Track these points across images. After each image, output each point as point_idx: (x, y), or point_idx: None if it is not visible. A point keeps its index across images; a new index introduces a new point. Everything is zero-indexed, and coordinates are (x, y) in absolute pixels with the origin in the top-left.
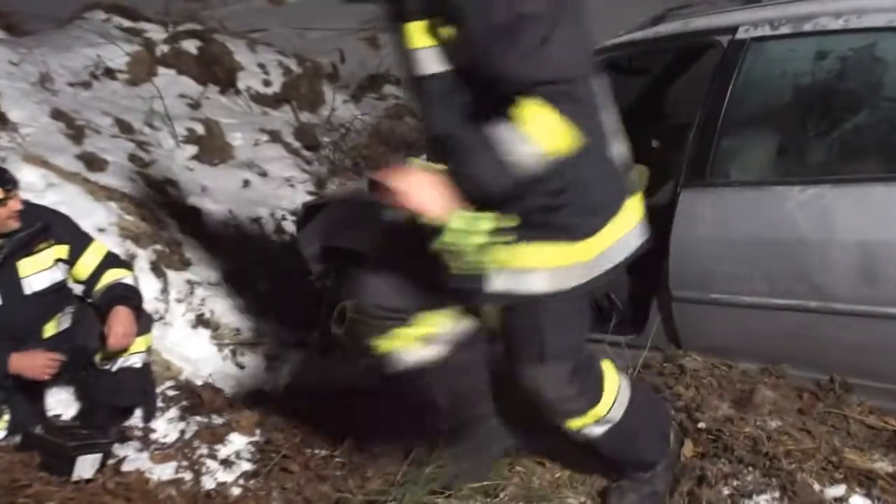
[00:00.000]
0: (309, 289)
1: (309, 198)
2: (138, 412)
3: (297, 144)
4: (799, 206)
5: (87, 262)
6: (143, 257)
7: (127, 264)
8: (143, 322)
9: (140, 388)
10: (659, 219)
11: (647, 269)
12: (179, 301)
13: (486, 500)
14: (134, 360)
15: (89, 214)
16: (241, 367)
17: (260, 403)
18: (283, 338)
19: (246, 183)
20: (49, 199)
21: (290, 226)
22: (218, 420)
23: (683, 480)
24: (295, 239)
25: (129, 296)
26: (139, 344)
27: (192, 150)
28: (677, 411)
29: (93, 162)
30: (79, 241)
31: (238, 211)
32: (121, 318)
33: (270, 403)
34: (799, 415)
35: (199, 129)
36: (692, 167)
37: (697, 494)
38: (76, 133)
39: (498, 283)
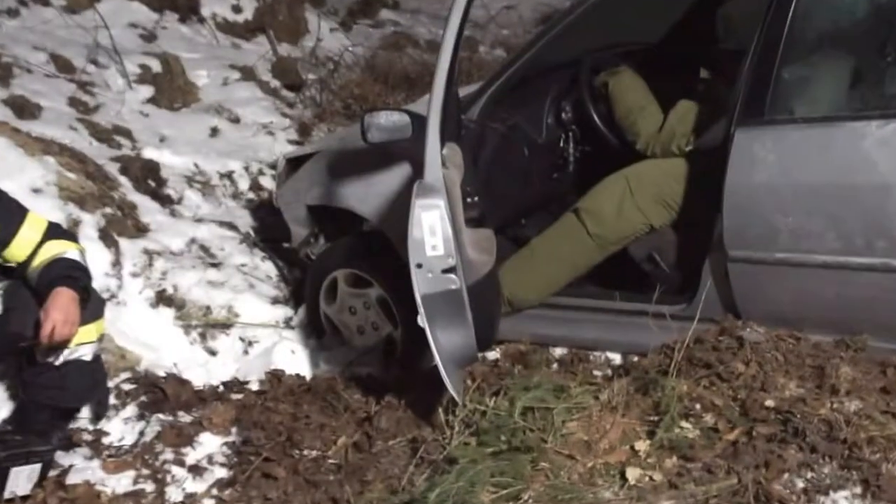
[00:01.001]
0: (292, 258)
1: (291, 148)
2: (86, 411)
3: (275, 83)
4: (878, 145)
5: (23, 242)
6: (90, 223)
7: (71, 235)
8: (93, 306)
9: (89, 384)
10: (710, 164)
11: (697, 224)
12: (135, 275)
13: None
14: (82, 352)
15: (19, 172)
16: (212, 352)
17: (236, 396)
18: (262, 317)
19: (214, 131)
20: None
21: (268, 182)
22: (185, 418)
23: (747, 468)
24: (274, 198)
25: (72, 274)
26: (88, 332)
27: (146, 91)
28: (735, 391)
29: (23, 108)
30: (9, 217)
31: (205, 165)
32: (60, 303)
33: (248, 396)
34: (883, 394)
35: (155, 66)
36: (748, 102)
37: (766, 486)
38: (2, 72)
39: None
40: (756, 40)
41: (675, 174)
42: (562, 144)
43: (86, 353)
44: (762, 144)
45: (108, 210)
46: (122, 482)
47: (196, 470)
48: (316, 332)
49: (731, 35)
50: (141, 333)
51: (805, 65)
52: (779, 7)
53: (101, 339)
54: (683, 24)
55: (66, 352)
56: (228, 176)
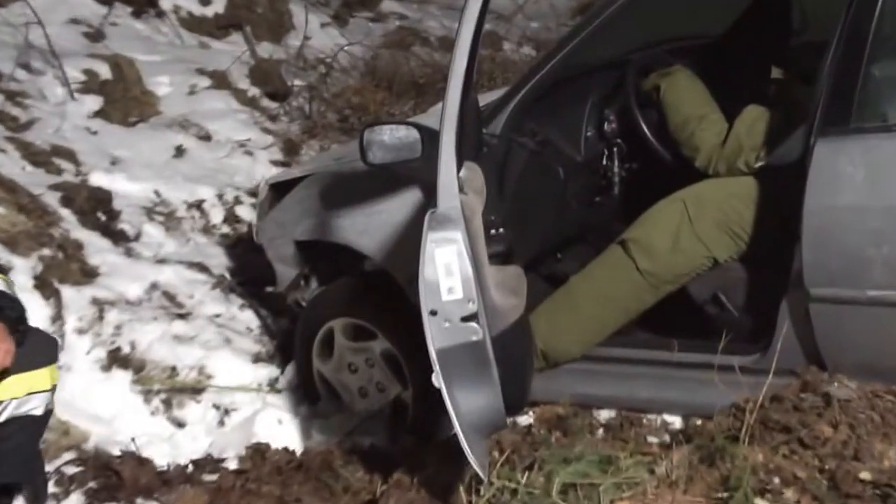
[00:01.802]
0: (278, 306)
1: (275, 170)
2: (21, 498)
3: (253, 91)
4: None
5: None
6: (23, 269)
7: None
8: (44, 346)
9: (33, 452)
10: (785, 184)
11: (771, 257)
12: (82, 332)
13: None
14: (33, 405)
15: None
16: (179, 424)
17: (209, 477)
18: (240, 379)
19: (178, 151)
20: None
21: (247, 212)
22: None
23: None
24: (255, 232)
25: None
26: (41, 379)
27: (93, 103)
28: (822, 460)
29: None
30: None
31: (168, 192)
32: None
33: (225, 477)
34: None
35: (104, 72)
36: (832, 106)
37: None
38: None
39: None
40: (839, 31)
41: (742, 196)
42: (604, 162)
43: (37, 407)
44: (849, 158)
45: (46, 251)
46: None
47: None
48: (308, 395)
49: (808, 25)
50: (90, 403)
51: None
52: None
53: (54, 388)
54: (750, 14)
55: (11, 404)
56: (197, 206)
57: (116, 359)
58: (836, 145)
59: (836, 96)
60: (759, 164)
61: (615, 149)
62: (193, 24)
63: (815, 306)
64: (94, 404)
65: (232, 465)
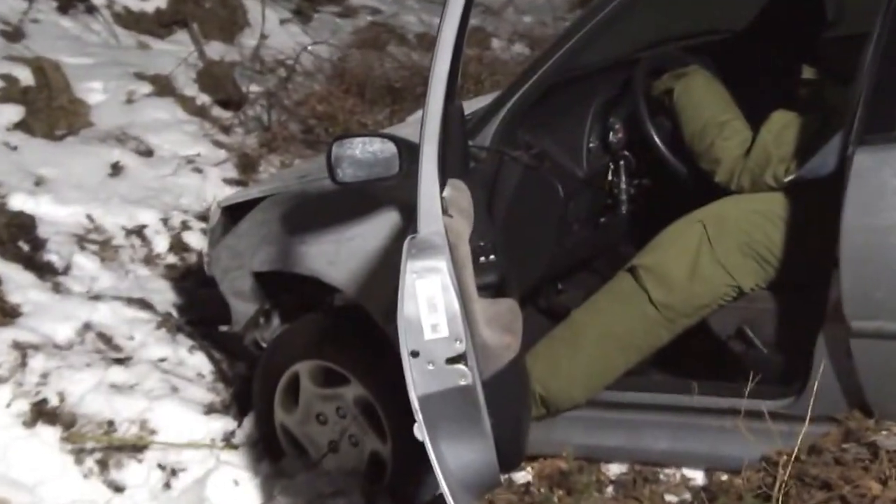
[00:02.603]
0: (234, 347)
1: (229, 190)
2: None
3: (203, 99)
4: None
5: None
6: None
7: None
8: None
9: None
10: (820, 201)
11: (804, 285)
12: (1, 381)
13: None
14: None
15: None
16: (117, 488)
17: None
18: (190, 434)
19: (115, 169)
20: None
21: (196, 239)
22: None
23: None
24: (206, 262)
25: None
26: None
27: (12, 113)
28: None
29: None
30: None
31: (103, 217)
32: None
33: None
34: None
35: (25, 77)
36: (872, 110)
37: None
38: None
39: None
40: (881, 21)
41: (770, 215)
42: (610, 178)
43: None
44: (893, 170)
45: None
46: None
47: None
48: (269, 452)
49: (844, 16)
50: (9, 466)
51: None
52: None
53: None
54: (777, 5)
55: None
56: (138, 232)
57: (42, 412)
58: (878, 155)
59: (878, 98)
60: (790, 177)
61: (622, 162)
62: (131, 21)
63: (858, 342)
64: (15, 467)
65: None
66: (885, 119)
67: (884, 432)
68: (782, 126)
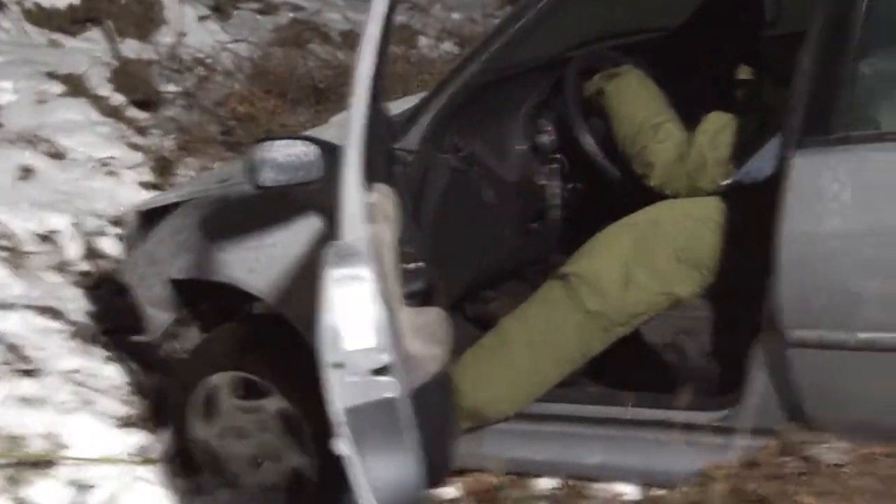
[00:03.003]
0: (149, 358)
1: (145, 195)
2: None
3: (117, 99)
4: None
5: None
6: None
7: None
8: None
9: None
10: (758, 206)
11: (741, 293)
12: None
13: None
14: None
15: None
16: None
17: None
18: (103, 449)
19: (24, 172)
20: None
21: (110, 246)
22: None
23: None
24: (121, 269)
25: None
26: None
27: None
28: None
29: None
30: None
31: (11, 222)
32: None
33: None
34: None
35: None
36: (812, 112)
37: None
38: None
39: None
40: (820, 19)
41: (707, 220)
42: (541, 181)
43: None
44: (833, 174)
45: None
46: None
47: None
48: (186, 467)
49: (783, 14)
50: None
51: (894, 55)
52: None
53: None
54: (713, 2)
55: None
56: (49, 238)
57: None
58: (818, 159)
59: (817, 100)
60: (726, 182)
61: (553, 165)
62: (42, 17)
63: (796, 352)
64: None
65: None
66: (824, 122)
67: (822, 445)
68: (718, 128)
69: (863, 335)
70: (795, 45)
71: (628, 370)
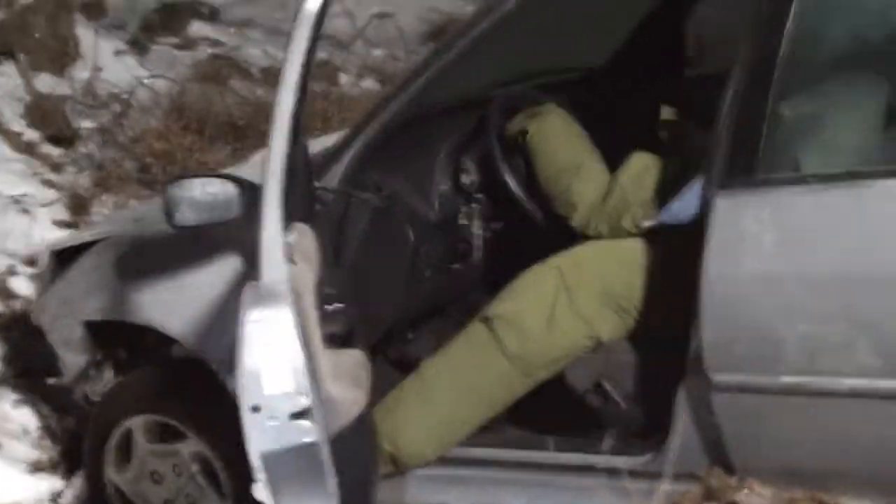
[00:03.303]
0: (63, 401)
1: (59, 233)
2: None
3: (31, 135)
4: None
5: None
6: None
7: None
8: None
9: None
10: (681, 248)
11: (664, 336)
12: None
13: None
14: None
15: None
16: None
17: None
18: (14, 494)
19: None
20: None
21: (23, 285)
22: None
23: None
24: (33, 310)
25: None
26: None
27: None
28: None
29: None
30: None
31: None
32: None
33: None
34: None
35: None
36: (734, 154)
37: None
38: None
39: None
40: (741, 60)
41: (629, 262)
42: (463, 221)
43: None
44: (756, 216)
45: None
46: None
47: None
48: None
49: (706, 54)
50: None
51: (815, 96)
52: (772, 11)
53: None
54: (636, 41)
55: None
56: None
57: None
58: (740, 200)
59: (739, 141)
60: (649, 223)
61: (475, 205)
62: None
63: (719, 396)
64: None
65: None
66: (746, 164)
67: (745, 490)
68: (641, 169)
69: (786, 379)
70: (718, 86)
71: (551, 414)
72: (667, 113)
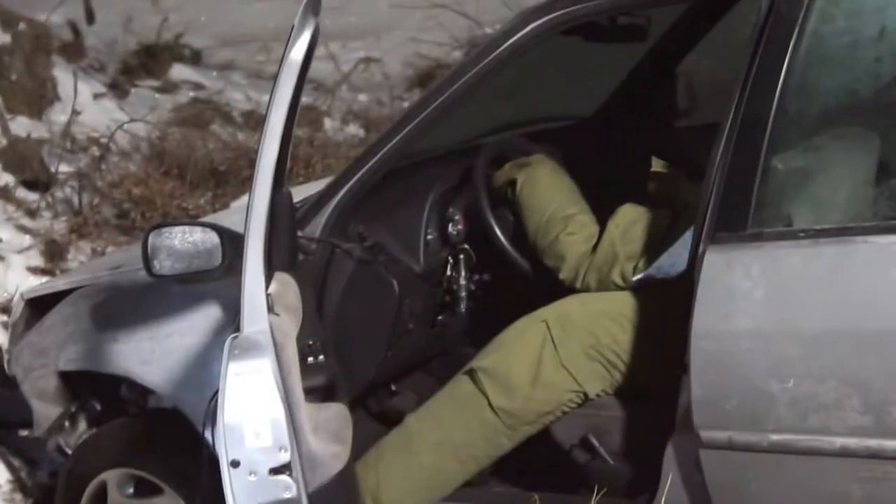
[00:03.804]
0: (36, 453)
1: (34, 281)
2: None
3: (6, 179)
4: None
5: None
6: None
7: None
8: None
9: None
10: (669, 302)
11: (653, 392)
12: None
13: None
14: None
15: None
16: None
17: None
18: None
19: None
20: None
21: None
22: None
23: None
24: (6, 360)
25: None
26: None
27: None
28: None
29: None
30: None
31: None
32: None
33: None
34: None
35: None
36: (724, 207)
37: None
38: None
39: None
40: (733, 113)
41: (617, 316)
42: (448, 273)
43: None
44: (745, 271)
45: None
46: None
47: None
48: None
49: (697, 106)
50: None
51: (807, 150)
52: (765, 64)
53: None
54: (626, 91)
55: None
56: None
57: None
58: (730, 254)
59: (730, 194)
60: (637, 276)
61: (462, 256)
62: None
63: (707, 453)
64: None
65: None
66: (737, 217)
67: None
68: (630, 221)
69: (775, 437)
70: (709, 138)
71: (537, 470)
72: (657, 164)
